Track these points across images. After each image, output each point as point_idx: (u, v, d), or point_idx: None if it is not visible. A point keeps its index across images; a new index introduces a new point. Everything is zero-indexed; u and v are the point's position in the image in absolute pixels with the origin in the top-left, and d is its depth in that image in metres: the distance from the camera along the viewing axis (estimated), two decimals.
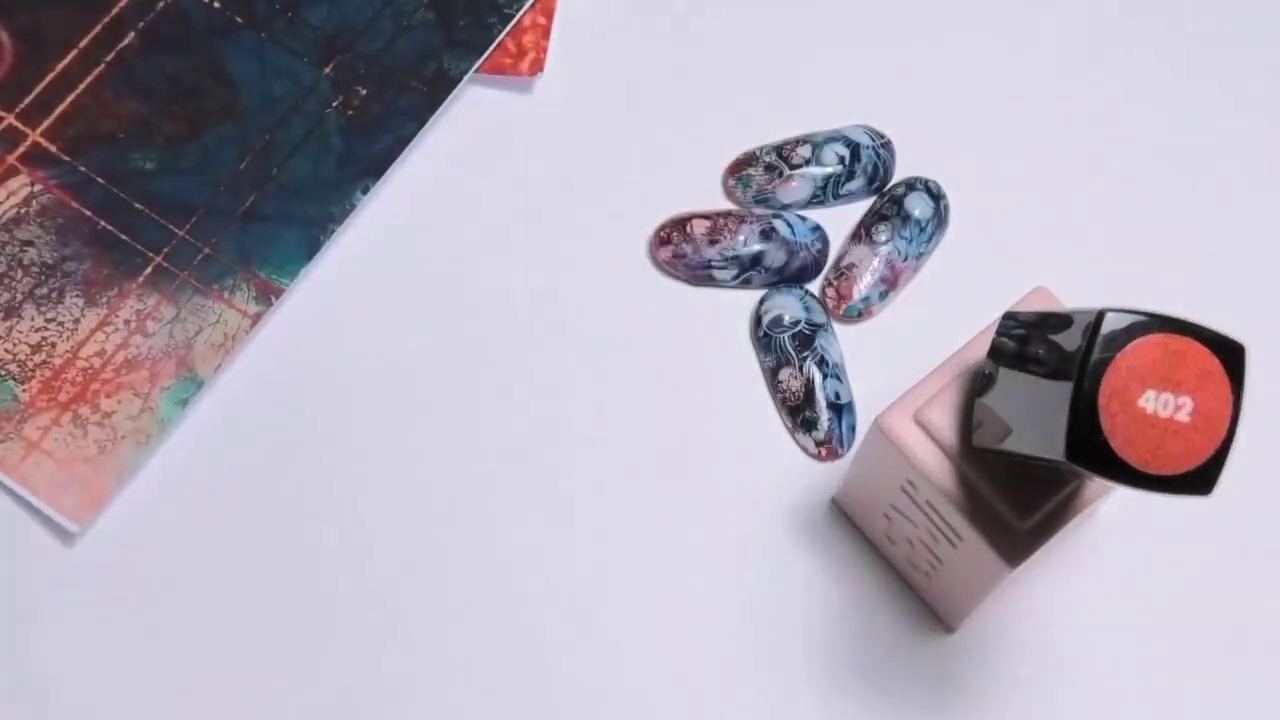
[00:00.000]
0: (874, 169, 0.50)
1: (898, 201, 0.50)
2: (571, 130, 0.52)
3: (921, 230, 0.49)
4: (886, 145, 0.51)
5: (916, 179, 0.50)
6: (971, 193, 0.51)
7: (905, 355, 0.49)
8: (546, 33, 0.52)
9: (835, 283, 0.49)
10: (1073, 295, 0.49)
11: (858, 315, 0.49)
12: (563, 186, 0.51)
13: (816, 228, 0.50)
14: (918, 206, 0.49)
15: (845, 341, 0.49)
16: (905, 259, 0.49)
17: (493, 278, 0.50)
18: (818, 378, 0.48)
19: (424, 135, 0.51)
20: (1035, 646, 0.47)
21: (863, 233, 0.50)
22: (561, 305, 0.50)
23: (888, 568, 0.47)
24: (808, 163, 0.50)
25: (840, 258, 0.50)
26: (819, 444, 0.48)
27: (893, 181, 0.51)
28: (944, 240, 0.50)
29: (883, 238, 0.49)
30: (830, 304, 0.49)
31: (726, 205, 0.51)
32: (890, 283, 0.49)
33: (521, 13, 0.52)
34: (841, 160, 0.50)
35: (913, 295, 0.50)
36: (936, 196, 0.50)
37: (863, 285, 0.49)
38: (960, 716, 0.46)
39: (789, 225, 0.49)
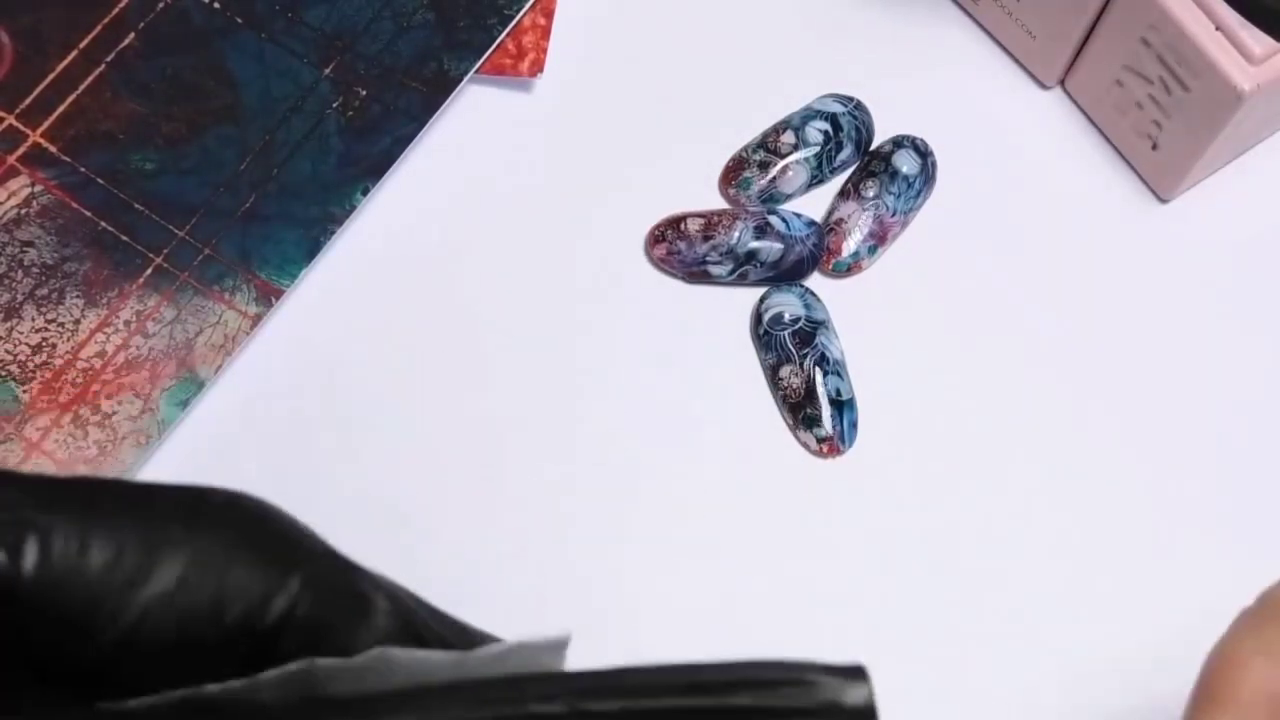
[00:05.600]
0: (858, 132, 0.51)
1: (885, 158, 0.50)
2: (571, 130, 0.52)
3: (909, 186, 0.49)
4: (859, 106, 0.51)
5: (904, 137, 0.51)
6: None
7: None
8: (546, 33, 0.52)
9: (824, 238, 0.49)
10: None
11: (846, 270, 0.49)
12: (562, 186, 0.51)
13: (812, 223, 0.50)
14: (905, 163, 0.50)
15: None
16: (894, 215, 0.49)
17: (492, 278, 0.50)
18: (818, 375, 0.48)
19: (424, 136, 0.51)
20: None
21: (851, 189, 0.50)
22: (562, 305, 0.50)
23: None
24: (795, 147, 0.50)
25: (829, 214, 0.50)
26: (820, 440, 0.48)
27: (879, 140, 0.51)
28: (932, 197, 0.51)
29: (871, 194, 0.49)
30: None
31: (726, 205, 0.51)
32: (879, 238, 0.49)
33: (521, 13, 0.52)
34: (825, 134, 0.50)
35: (901, 251, 0.50)
36: (924, 153, 0.50)
37: (852, 241, 0.49)
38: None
39: (784, 220, 0.49)
